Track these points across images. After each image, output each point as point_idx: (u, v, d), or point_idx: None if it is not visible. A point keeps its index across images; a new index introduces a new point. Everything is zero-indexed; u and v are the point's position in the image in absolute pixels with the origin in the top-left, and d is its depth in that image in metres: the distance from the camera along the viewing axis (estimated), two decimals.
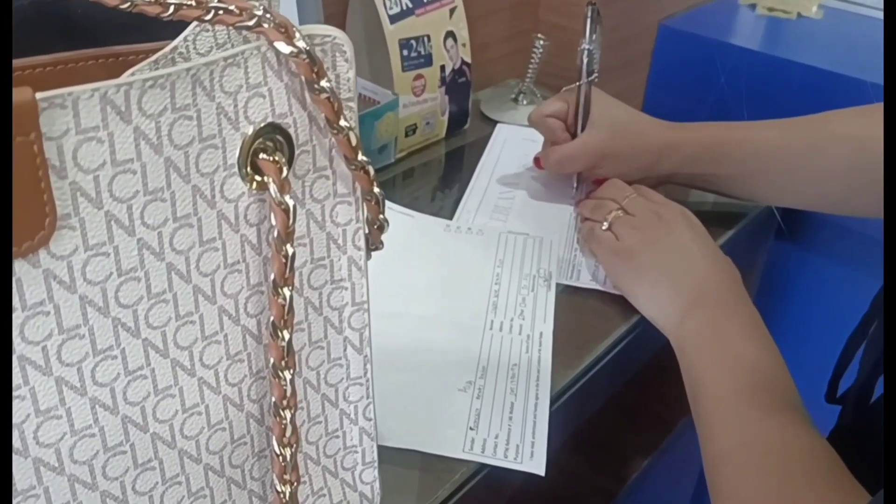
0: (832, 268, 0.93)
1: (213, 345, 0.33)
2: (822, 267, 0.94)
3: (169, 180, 0.29)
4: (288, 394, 0.34)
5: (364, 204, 0.35)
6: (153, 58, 0.30)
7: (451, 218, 0.70)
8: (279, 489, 0.35)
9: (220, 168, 0.30)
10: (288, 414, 0.34)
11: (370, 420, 0.40)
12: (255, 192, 0.32)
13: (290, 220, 0.31)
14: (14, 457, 0.28)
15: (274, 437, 0.35)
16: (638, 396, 0.79)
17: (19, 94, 0.24)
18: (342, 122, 0.32)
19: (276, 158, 0.31)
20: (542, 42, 0.87)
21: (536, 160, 0.76)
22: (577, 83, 0.68)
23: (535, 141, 0.77)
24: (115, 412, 0.31)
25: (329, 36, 0.32)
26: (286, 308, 0.32)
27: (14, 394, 0.27)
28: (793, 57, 0.94)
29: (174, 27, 0.30)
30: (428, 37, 0.77)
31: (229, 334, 0.33)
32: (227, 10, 0.28)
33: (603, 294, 0.62)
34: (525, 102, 0.91)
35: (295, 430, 0.35)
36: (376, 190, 0.35)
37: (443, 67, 0.79)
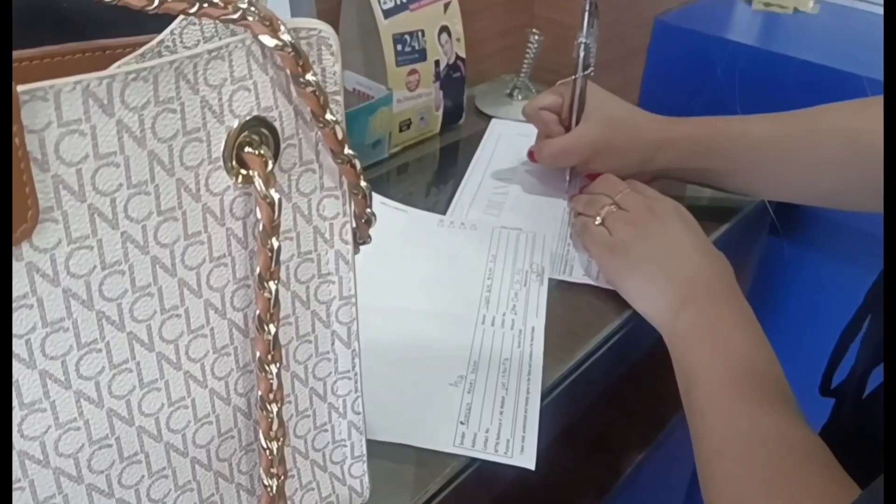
0: (825, 262, 0.93)
1: (200, 338, 0.33)
2: (816, 261, 0.94)
3: (153, 173, 0.29)
4: (274, 387, 0.34)
5: (351, 198, 0.35)
6: (139, 51, 0.30)
7: (445, 213, 0.70)
8: (266, 483, 0.35)
9: (205, 161, 0.30)
10: (274, 408, 0.34)
11: (359, 414, 0.40)
12: (240, 185, 0.32)
13: (276, 214, 0.31)
14: None
15: (261, 431, 0.35)
16: (632, 391, 0.79)
17: None
18: (328, 116, 0.32)
19: (262, 152, 0.31)
20: (536, 37, 0.87)
21: (530, 153, 0.76)
22: (573, 77, 0.68)
23: (529, 136, 0.77)
24: (100, 405, 0.31)
25: (315, 29, 0.32)
26: (272, 302, 0.32)
27: None
28: (789, 52, 0.94)
29: (163, 21, 0.30)
30: (422, 32, 0.77)
31: (216, 328, 0.33)
32: (211, 3, 0.28)
33: (595, 289, 0.62)
34: (520, 97, 0.91)
35: (282, 423, 0.35)
36: (363, 184, 0.35)
37: (437, 62, 0.79)
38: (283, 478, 0.36)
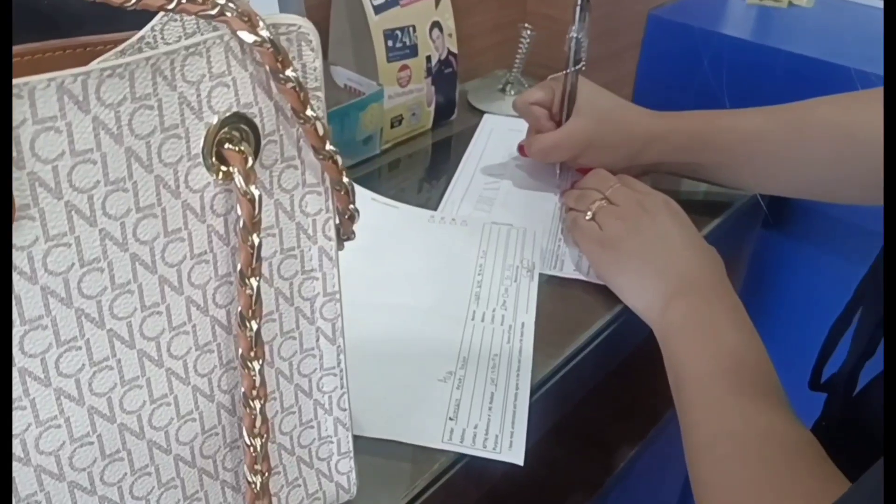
0: (817, 256, 0.93)
1: (182, 335, 0.33)
2: (808, 255, 0.94)
3: (131, 170, 0.29)
4: (257, 384, 0.34)
5: (334, 194, 0.35)
6: (120, 48, 0.29)
7: (436, 209, 0.70)
8: (250, 479, 0.35)
9: (185, 158, 0.30)
10: (258, 404, 0.34)
11: (345, 410, 0.40)
12: (221, 182, 0.32)
13: (256, 211, 0.31)
14: None
15: (244, 428, 0.35)
16: (625, 386, 0.79)
17: None
18: (309, 112, 0.32)
19: (242, 148, 0.31)
20: (529, 32, 0.87)
21: (521, 147, 0.75)
22: (564, 71, 0.68)
23: (521, 131, 0.77)
24: (80, 403, 0.31)
25: (294, 25, 0.31)
26: (254, 298, 0.32)
27: None
28: (784, 46, 0.93)
29: (145, 17, 0.30)
30: (413, 27, 0.77)
31: (198, 325, 0.33)
32: None
33: (586, 284, 0.62)
34: (512, 93, 0.91)
35: (265, 420, 0.35)
36: (345, 180, 0.35)
37: (429, 58, 0.79)
38: (267, 474, 0.36)
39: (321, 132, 0.33)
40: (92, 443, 0.31)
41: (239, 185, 0.31)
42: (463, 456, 0.47)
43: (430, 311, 0.58)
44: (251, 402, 0.34)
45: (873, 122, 0.59)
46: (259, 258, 0.32)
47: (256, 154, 0.32)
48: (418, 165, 0.79)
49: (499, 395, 0.51)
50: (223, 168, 0.31)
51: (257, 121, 0.32)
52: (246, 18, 0.29)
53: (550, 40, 0.85)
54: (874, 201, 0.61)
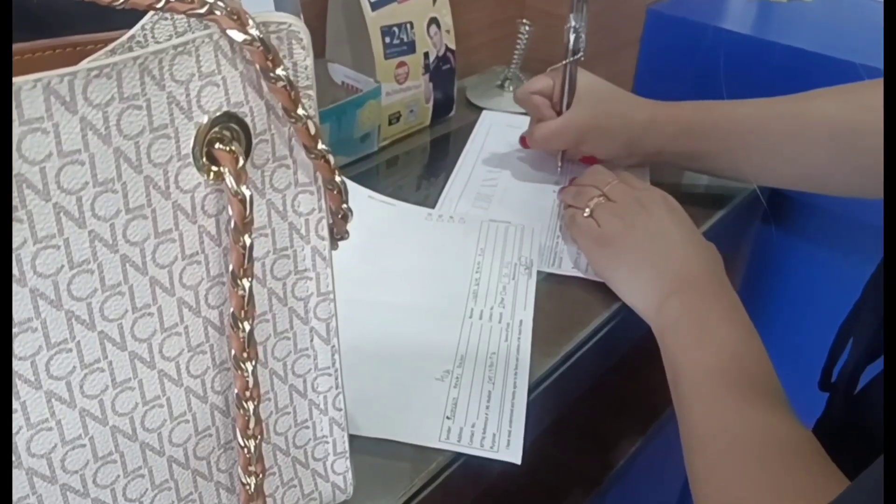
0: (819, 252, 0.93)
1: (174, 336, 0.33)
2: (809, 251, 0.94)
3: (119, 171, 0.28)
4: (250, 385, 0.34)
5: (326, 193, 0.35)
6: (109, 47, 0.29)
7: (434, 206, 0.70)
8: (244, 481, 0.35)
9: (174, 158, 0.30)
10: (251, 405, 0.34)
11: (340, 410, 0.40)
12: (212, 182, 0.31)
13: (247, 211, 0.31)
14: None
15: (238, 429, 0.34)
16: (624, 383, 0.79)
17: None
18: (300, 111, 0.32)
19: (233, 148, 0.31)
20: (527, 28, 0.86)
21: (522, 139, 0.76)
22: (563, 62, 0.68)
23: (520, 127, 0.77)
24: (72, 405, 0.30)
25: (284, 23, 0.31)
26: (246, 299, 0.32)
27: None
28: (784, 40, 0.93)
29: (137, 16, 0.30)
30: (410, 24, 0.76)
31: (190, 326, 0.33)
32: None
33: (584, 281, 0.62)
34: (511, 89, 0.90)
35: (259, 421, 0.35)
36: (338, 178, 0.34)
37: (426, 54, 0.78)
38: (261, 475, 0.36)
39: (313, 131, 0.32)
40: (84, 445, 0.31)
41: (230, 186, 0.30)
42: (460, 455, 0.47)
43: (428, 310, 0.58)
44: (244, 404, 0.34)
45: (871, 113, 0.59)
46: (251, 259, 0.32)
47: (247, 154, 0.32)
48: (416, 163, 0.79)
49: (496, 394, 0.51)
50: (214, 168, 0.31)
51: (248, 120, 0.31)
52: (235, 17, 0.29)
53: (548, 36, 0.84)
54: (873, 194, 0.60)
